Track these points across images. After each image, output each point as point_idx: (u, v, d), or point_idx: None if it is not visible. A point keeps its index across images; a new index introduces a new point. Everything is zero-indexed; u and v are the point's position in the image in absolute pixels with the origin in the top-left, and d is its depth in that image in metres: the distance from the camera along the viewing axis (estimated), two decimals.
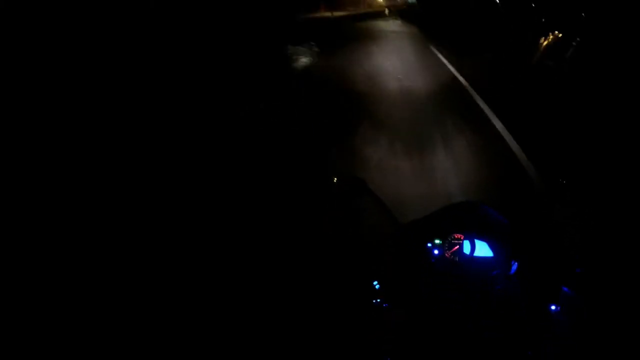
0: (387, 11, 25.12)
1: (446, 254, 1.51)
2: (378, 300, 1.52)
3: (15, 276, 2.70)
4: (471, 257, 1.48)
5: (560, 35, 11.66)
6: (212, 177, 4.10)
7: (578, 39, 10.21)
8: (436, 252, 1.51)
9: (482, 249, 1.47)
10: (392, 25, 19.44)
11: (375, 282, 1.55)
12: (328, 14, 20.52)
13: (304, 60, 9.68)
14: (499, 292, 1.35)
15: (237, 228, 3.25)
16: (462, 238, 1.50)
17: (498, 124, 5.89)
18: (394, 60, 10.36)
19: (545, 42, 12.30)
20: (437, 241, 1.52)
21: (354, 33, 15.43)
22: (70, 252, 2.92)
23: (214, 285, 2.70)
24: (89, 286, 2.65)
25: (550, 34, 12.36)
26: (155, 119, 5.46)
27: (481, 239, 1.47)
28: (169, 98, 6.23)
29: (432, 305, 1.45)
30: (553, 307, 1.31)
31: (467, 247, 1.49)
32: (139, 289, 2.66)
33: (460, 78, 8.90)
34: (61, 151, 4.33)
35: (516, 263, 1.39)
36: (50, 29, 7.54)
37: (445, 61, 10.79)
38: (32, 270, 2.77)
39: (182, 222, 3.34)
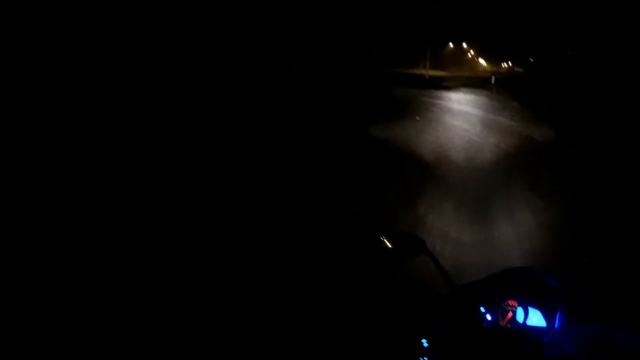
0: (493, 79, 20.58)
1: (500, 321, 1.53)
2: (425, 358, 1.55)
3: (15, 276, 2.71)
4: (524, 325, 1.48)
5: None
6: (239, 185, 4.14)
7: None
8: (489, 317, 1.54)
9: (536, 318, 1.48)
10: (487, 100, 13.53)
11: (424, 340, 1.58)
12: (423, 71, 19.08)
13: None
14: (549, 359, 1.35)
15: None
16: (516, 305, 1.52)
17: None
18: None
19: None
20: (490, 306, 1.55)
21: (420, 106, 12.07)
22: (71, 252, 2.95)
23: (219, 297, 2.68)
24: (88, 286, 2.67)
25: None
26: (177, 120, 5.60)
27: (535, 307, 1.48)
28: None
29: None
30: None
31: (520, 315, 1.50)
32: (139, 289, 2.69)
33: None
34: (61, 151, 4.42)
35: (568, 329, 1.39)
36: (51, 29, 7.61)
37: None
38: (32, 269, 2.80)
39: (182, 221, 3.35)
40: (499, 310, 1.53)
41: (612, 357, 1.33)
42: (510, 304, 1.52)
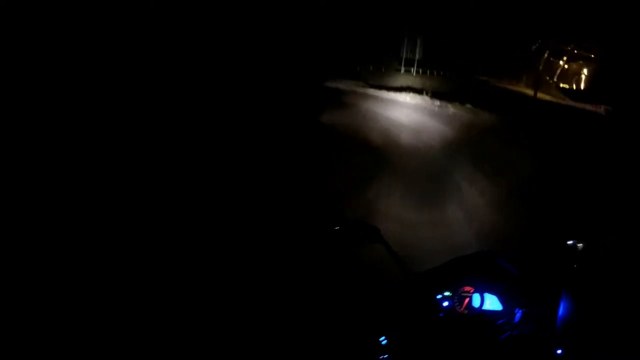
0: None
1: (456, 308, 1.52)
2: (385, 356, 1.52)
3: (15, 275, 2.68)
4: (480, 310, 1.48)
5: None
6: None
7: None
8: (445, 303, 1.52)
9: (492, 302, 1.47)
10: None
11: (382, 338, 1.54)
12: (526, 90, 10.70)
13: None
14: (504, 341, 1.35)
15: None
16: (471, 291, 1.50)
17: None
18: None
19: None
20: (446, 293, 1.53)
21: None
22: (70, 251, 2.91)
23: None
24: (88, 286, 2.64)
25: None
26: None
27: (491, 292, 1.48)
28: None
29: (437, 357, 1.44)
30: (559, 352, 1.30)
31: (476, 301, 1.49)
32: (139, 288, 2.65)
33: None
34: (61, 151, 4.32)
35: (520, 311, 1.39)
36: (50, 29, 7.45)
37: None
38: (32, 269, 2.75)
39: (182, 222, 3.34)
40: (456, 296, 1.52)
41: (560, 333, 1.36)
42: (467, 289, 1.51)
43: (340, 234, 1.75)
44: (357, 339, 1.65)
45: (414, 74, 11.10)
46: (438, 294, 1.54)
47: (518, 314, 1.39)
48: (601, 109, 8.97)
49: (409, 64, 11.20)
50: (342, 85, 10.00)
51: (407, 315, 1.59)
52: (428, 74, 11.04)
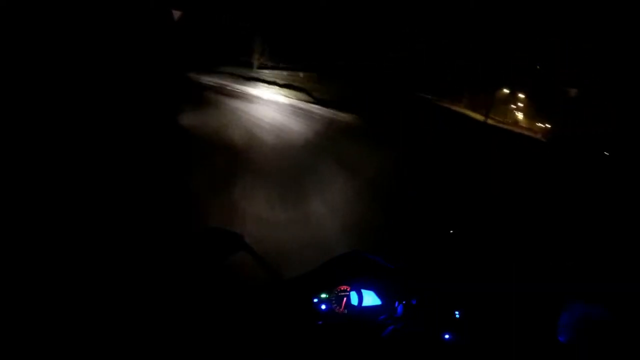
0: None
1: (335, 309, 1.42)
2: None
3: (13, 276, 2.63)
4: (360, 308, 1.40)
5: None
6: None
7: None
8: (323, 307, 1.40)
9: (370, 298, 1.40)
10: None
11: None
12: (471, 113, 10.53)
13: None
14: (389, 335, 1.29)
15: None
16: (348, 290, 1.42)
17: None
18: None
19: None
20: (323, 295, 1.41)
21: None
22: (69, 252, 2.87)
23: None
24: (88, 286, 2.57)
25: None
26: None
27: (368, 288, 1.41)
28: None
29: None
30: (447, 336, 1.28)
31: (354, 299, 1.41)
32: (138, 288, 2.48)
33: None
34: (59, 150, 4.28)
35: (401, 305, 1.35)
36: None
37: None
38: (31, 270, 2.71)
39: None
40: (333, 297, 1.42)
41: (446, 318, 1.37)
42: (343, 289, 1.43)
43: (198, 244, 1.52)
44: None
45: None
46: (314, 297, 1.42)
47: (399, 308, 1.35)
48: None
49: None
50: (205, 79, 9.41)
51: (285, 326, 1.45)
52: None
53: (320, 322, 1.37)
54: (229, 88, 9.42)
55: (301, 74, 10.90)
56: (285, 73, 11.39)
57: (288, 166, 6.37)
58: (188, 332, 2.51)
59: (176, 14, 10.64)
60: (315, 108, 9.46)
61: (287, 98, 10.04)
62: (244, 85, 9.94)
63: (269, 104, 9.16)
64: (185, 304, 2.73)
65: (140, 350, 2.23)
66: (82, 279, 2.75)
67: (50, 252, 2.99)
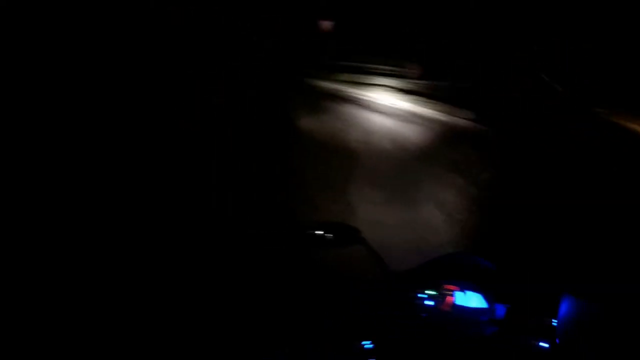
0: None
1: (440, 307, 1.51)
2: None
3: (14, 276, 2.68)
4: (464, 308, 1.48)
5: None
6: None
7: None
8: (428, 303, 1.51)
9: (475, 300, 1.47)
10: None
11: (365, 342, 1.53)
12: None
13: None
14: (489, 337, 1.36)
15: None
16: (454, 289, 1.50)
17: None
18: None
19: None
20: (430, 292, 1.52)
21: None
22: (70, 252, 2.93)
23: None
24: (88, 286, 2.65)
25: None
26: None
27: (474, 289, 1.48)
28: None
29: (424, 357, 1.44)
30: (543, 344, 1.31)
31: (460, 298, 1.49)
32: (138, 289, 2.67)
33: None
34: (60, 151, 4.31)
35: (504, 307, 1.40)
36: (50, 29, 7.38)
37: None
38: (32, 270, 2.77)
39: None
40: (438, 295, 1.52)
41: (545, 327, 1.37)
42: (450, 288, 1.52)
43: (320, 237, 1.73)
44: (340, 344, 1.64)
45: None
46: (420, 293, 1.54)
47: (501, 310, 1.41)
48: None
49: None
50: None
51: (391, 317, 1.58)
52: None
53: (425, 314, 1.49)
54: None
55: None
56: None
57: (403, 170, 6.40)
58: (301, 318, 2.74)
59: (325, 24, 10.80)
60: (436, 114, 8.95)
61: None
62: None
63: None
64: (303, 291, 2.97)
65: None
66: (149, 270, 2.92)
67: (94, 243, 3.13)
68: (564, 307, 1.30)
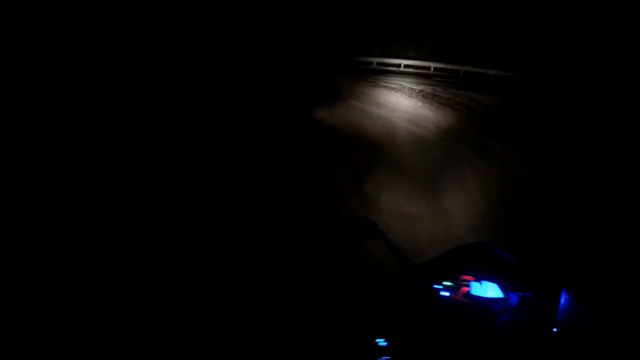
0: None
1: (455, 297, 1.55)
2: (384, 358, 1.55)
3: (14, 276, 2.69)
4: (479, 298, 1.52)
5: None
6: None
7: None
8: (444, 293, 1.55)
9: (491, 290, 1.51)
10: None
11: (380, 340, 1.57)
12: None
13: None
14: (504, 324, 1.41)
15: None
16: (470, 279, 1.54)
17: None
18: None
19: None
20: (446, 283, 1.56)
21: None
22: (70, 252, 2.93)
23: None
24: (88, 286, 2.65)
25: None
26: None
27: (490, 280, 1.52)
28: None
29: (439, 350, 1.47)
30: (555, 330, 1.35)
31: (476, 289, 1.53)
32: (139, 288, 2.67)
33: None
34: (60, 151, 4.26)
35: (516, 296, 1.45)
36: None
37: None
38: (32, 270, 2.77)
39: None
40: (455, 285, 1.56)
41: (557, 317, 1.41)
42: (466, 278, 1.55)
43: (339, 230, 1.77)
44: (348, 343, 1.66)
45: None
46: (437, 284, 1.58)
47: (515, 299, 1.45)
48: None
49: None
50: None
51: (404, 312, 1.62)
52: None
53: (440, 304, 1.53)
54: None
55: None
56: None
57: (427, 162, 6.33)
58: (324, 308, 2.73)
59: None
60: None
61: None
62: None
63: None
64: (321, 283, 2.95)
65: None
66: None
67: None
68: (564, 303, 1.35)
